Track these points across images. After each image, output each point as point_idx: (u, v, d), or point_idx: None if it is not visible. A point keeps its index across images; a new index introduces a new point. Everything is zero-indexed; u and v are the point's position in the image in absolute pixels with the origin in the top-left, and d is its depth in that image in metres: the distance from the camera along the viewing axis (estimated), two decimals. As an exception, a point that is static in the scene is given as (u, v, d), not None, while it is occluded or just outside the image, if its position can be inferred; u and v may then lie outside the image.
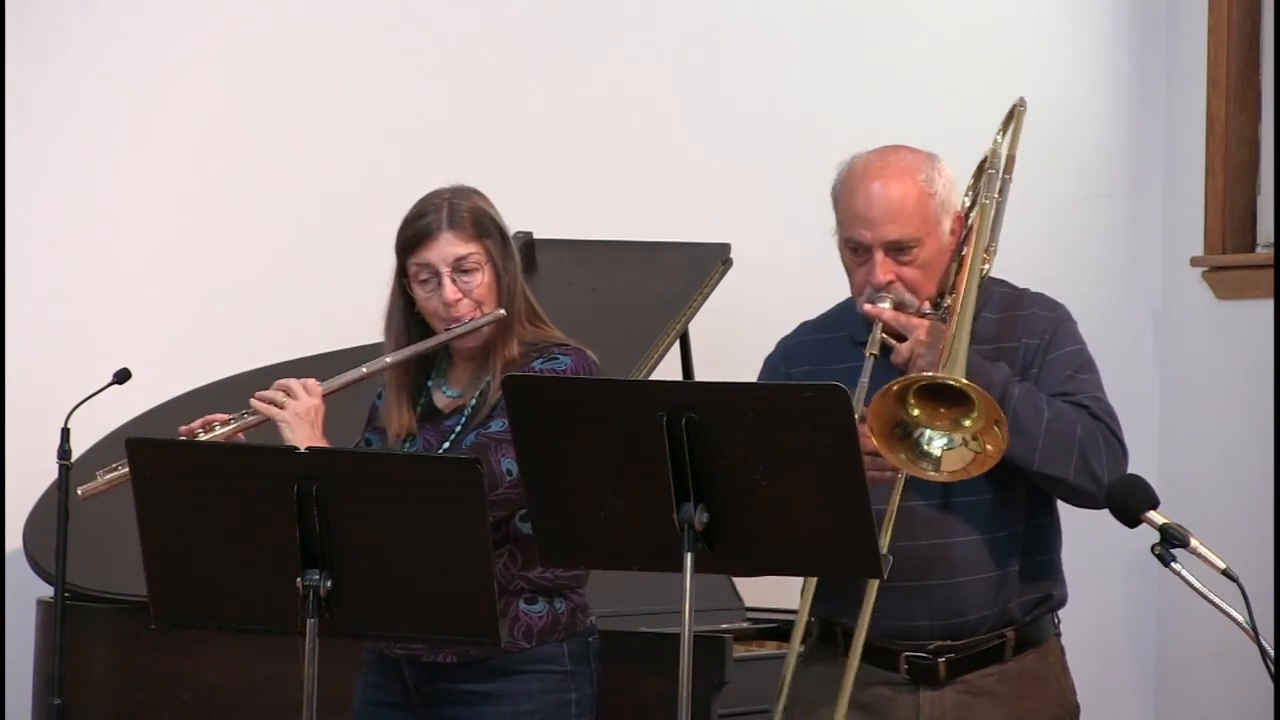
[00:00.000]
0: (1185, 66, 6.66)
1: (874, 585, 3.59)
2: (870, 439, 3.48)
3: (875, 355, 3.60)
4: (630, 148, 6.10)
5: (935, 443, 3.51)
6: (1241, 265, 6.49)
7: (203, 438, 3.82)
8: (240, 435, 3.85)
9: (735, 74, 6.27)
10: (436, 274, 3.86)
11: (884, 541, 3.57)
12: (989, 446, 3.47)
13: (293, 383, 3.85)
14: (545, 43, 6.03)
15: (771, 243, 6.08)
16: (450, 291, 3.85)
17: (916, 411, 3.49)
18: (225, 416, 3.85)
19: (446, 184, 3.93)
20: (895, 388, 3.46)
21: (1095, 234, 6.74)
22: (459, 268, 3.86)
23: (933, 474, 3.51)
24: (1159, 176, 6.78)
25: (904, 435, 3.50)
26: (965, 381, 3.43)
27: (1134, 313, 6.74)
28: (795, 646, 3.70)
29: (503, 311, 3.87)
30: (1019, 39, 6.64)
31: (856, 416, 3.49)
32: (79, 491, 3.89)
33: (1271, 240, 6.47)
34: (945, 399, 3.47)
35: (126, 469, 3.61)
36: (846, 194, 3.70)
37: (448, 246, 3.85)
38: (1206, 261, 6.56)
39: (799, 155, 6.21)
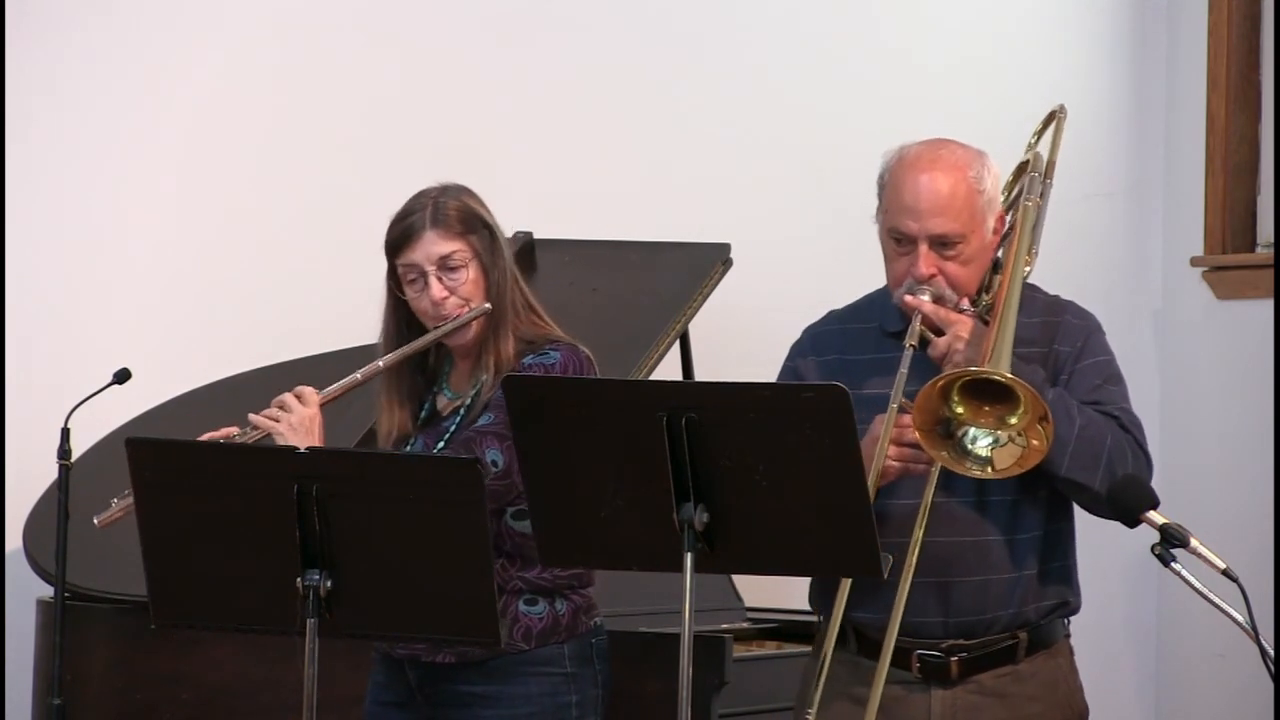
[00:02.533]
0: (1185, 66, 6.66)
1: (906, 584, 3.57)
2: (911, 430, 3.49)
3: (914, 347, 3.59)
4: (630, 148, 6.10)
5: (980, 442, 3.50)
6: (1241, 265, 6.49)
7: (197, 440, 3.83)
8: None
9: (736, 74, 6.27)
10: (423, 274, 3.86)
11: (918, 536, 3.56)
12: (1034, 442, 3.46)
13: (287, 397, 3.83)
14: (545, 42, 6.03)
15: (771, 243, 6.07)
16: (436, 290, 3.85)
17: (960, 409, 3.48)
18: (230, 431, 3.85)
19: (435, 183, 3.93)
20: (941, 382, 3.45)
21: (1095, 234, 6.74)
22: (444, 265, 3.86)
23: (978, 472, 3.50)
24: (1159, 176, 6.78)
25: (945, 434, 3.49)
26: (1011, 376, 3.42)
27: (1134, 313, 6.74)
28: (830, 646, 3.67)
29: (488, 305, 3.86)
30: (1019, 39, 6.64)
31: (895, 406, 3.50)
32: (95, 521, 3.88)
33: (1271, 240, 6.47)
34: (989, 396, 3.46)
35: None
36: (895, 183, 3.68)
37: (431, 245, 3.86)
38: (1206, 261, 6.56)
39: (799, 156, 6.23)
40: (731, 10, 6.29)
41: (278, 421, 3.80)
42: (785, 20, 6.34)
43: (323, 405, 3.84)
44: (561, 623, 3.87)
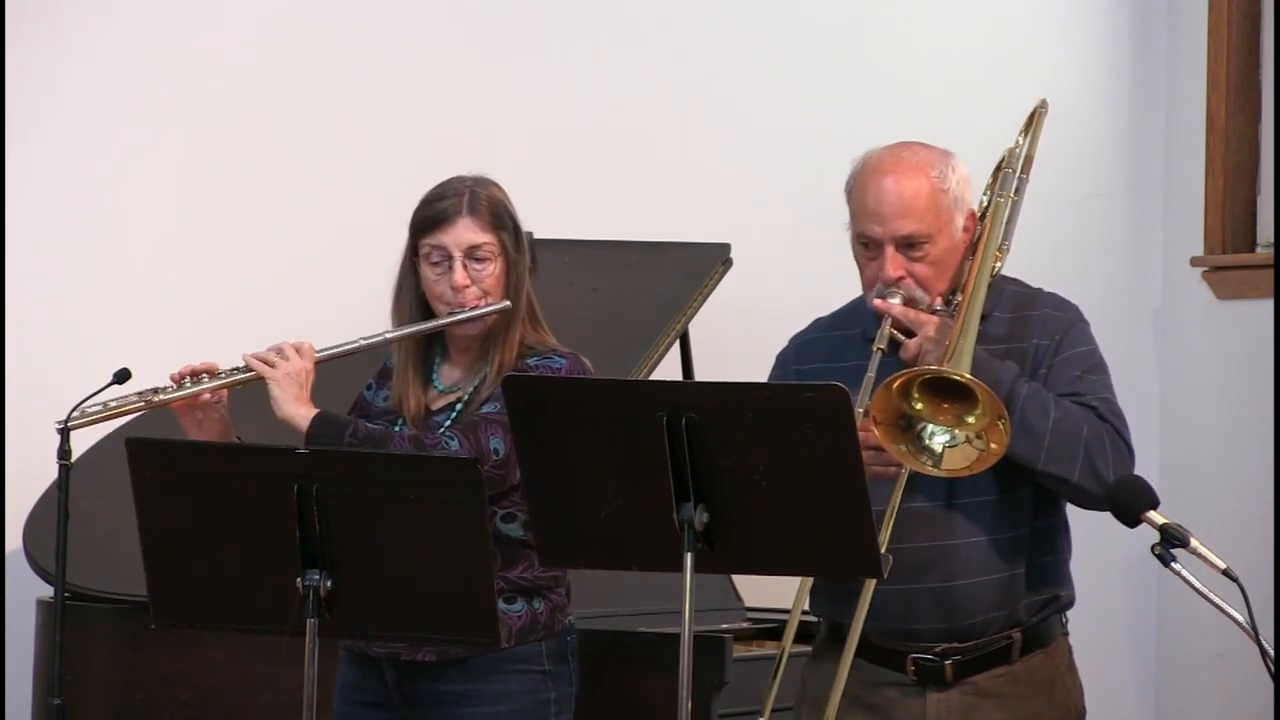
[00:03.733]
0: (1185, 66, 6.66)
1: (870, 584, 3.58)
2: (874, 434, 3.48)
3: (883, 351, 3.60)
4: (631, 148, 6.10)
5: (937, 438, 3.51)
6: (1241, 265, 6.49)
7: (189, 388, 3.84)
8: (224, 393, 3.87)
9: (736, 74, 6.27)
10: (449, 257, 3.88)
11: (884, 539, 3.57)
12: (992, 445, 3.47)
13: (286, 345, 3.88)
14: (545, 42, 6.03)
15: (771, 243, 6.07)
16: (460, 276, 3.87)
17: (920, 406, 3.49)
18: (217, 368, 3.87)
19: (469, 171, 3.96)
20: (898, 382, 3.46)
21: (1095, 234, 6.74)
22: (472, 255, 3.89)
23: (932, 469, 3.51)
24: (1159, 176, 6.78)
25: (906, 428, 3.50)
26: (968, 376, 3.43)
27: (1134, 313, 6.74)
28: (787, 646, 3.69)
29: (508, 303, 3.89)
30: (1019, 39, 6.64)
31: (861, 411, 3.51)
32: (57, 423, 3.95)
33: (1271, 240, 6.47)
34: (949, 394, 3.47)
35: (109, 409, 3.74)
36: (859, 189, 3.70)
37: (465, 232, 3.88)
38: (1206, 261, 6.56)
39: (799, 155, 6.23)
40: (732, 10, 6.29)
41: (274, 367, 3.83)
42: (786, 21, 6.33)
43: (318, 364, 3.87)
44: (540, 621, 3.89)
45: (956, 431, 3.49)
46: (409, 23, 5.86)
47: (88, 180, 5.48)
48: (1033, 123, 4.02)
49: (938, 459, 3.50)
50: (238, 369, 3.87)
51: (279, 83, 5.69)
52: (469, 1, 5.97)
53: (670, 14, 6.20)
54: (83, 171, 5.47)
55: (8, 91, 5.33)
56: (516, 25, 5.99)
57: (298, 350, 3.87)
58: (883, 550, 3.55)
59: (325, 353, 3.90)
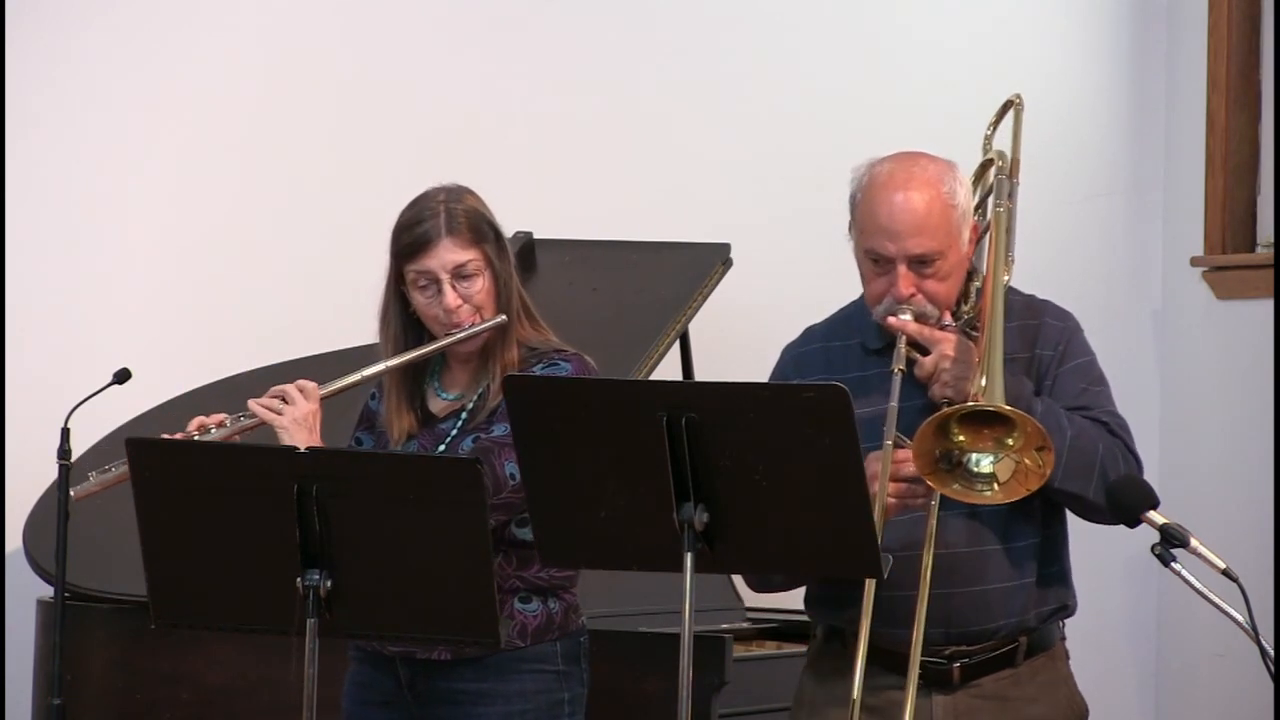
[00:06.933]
0: (1185, 66, 6.66)
1: (923, 597, 3.55)
2: (906, 465, 3.46)
3: (902, 371, 3.56)
4: (631, 147, 6.11)
5: (984, 462, 3.48)
6: (1241, 265, 6.49)
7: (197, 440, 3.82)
8: (236, 438, 3.85)
9: (735, 74, 6.27)
10: (436, 281, 3.84)
11: (928, 560, 3.54)
12: (1028, 462, 3.44)
13: (289, 389, 3.82)
14: (546, 42, 6.03)
15: (771, 243, 6.08)
16: (451, 298, 3.83)
17: (961, 438, 3.46)
18: (221, 418, 3.84)
19: (439, 184, 3.91)
20: (937, 421, 3.43)
21: (1095, 234, 6.74)
22: (459, 274, 3.84)
23: (989, 494, 3.48)
24: (1159, 176, 6.78)
25: (950, 466, 3.47)
26: (1009, 409, 3.40)
27: (1134, 313, 6.74)
28: (861, 657, 3.60)
29: (504, 317, 3.85)
30: (1019, 39, 6.64)
31: (890, 443, 3.48)
32: (72, 493, 3.89)
33: (1271, 240, 6.47)
34: (987, 420, 3.44)
35: (119, 469, 3.65)
36: (868, 203, 3.64)
37: (447, 254, 3.83)
38: (1206, 261, 6.56)
39: (799, 155, 6.23)
40: (731, 10, 6.29)
41: (280, 414, 3.80)
42: (785, 21, 6.34)
43: (323, 400, 3.84)
44: (555, 621, 3.88)
45: (999, 452, 3.47)
46: (406, 21, 5.87)
47: (87, 180, 5.48)
48: (1005, 117, 3.98)
49: (990, 479, 3.47)
50: (244, 415, 3.84)
51: (277, 82, 5.70)
52: (469, 1, 5.97)
53: (670, 13, 6.20)
54: (82, 172, 5.47)
55: (8, 91, 5.33)
56: (515, 24, 6.00)
57: (301, 392, 3.83)
58: (926, 572, 3.54)
59: (328, 389, 3.86)
